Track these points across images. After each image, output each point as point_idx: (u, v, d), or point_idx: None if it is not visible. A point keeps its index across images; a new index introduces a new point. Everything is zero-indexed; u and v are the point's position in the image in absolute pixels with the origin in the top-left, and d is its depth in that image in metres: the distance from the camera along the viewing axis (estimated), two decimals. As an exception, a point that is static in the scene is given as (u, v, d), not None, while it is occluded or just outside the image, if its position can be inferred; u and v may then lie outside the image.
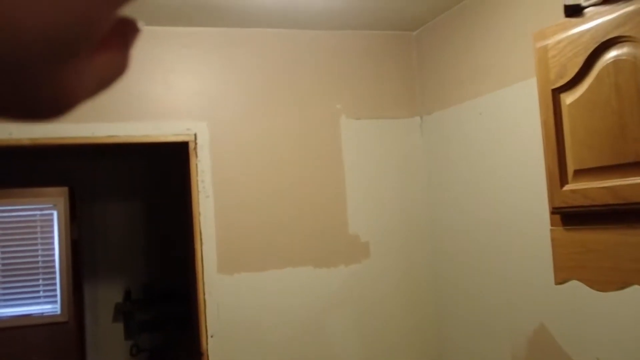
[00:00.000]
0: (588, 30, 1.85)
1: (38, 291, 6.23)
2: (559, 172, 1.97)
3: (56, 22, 0.21)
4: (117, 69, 0.28)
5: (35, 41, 0.21)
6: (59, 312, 6.23)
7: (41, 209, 6.21)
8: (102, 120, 3.45)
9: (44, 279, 6.22)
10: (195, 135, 3.65)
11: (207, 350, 3.60)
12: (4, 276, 6.16)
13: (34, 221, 6.22)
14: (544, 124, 2.02)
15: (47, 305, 6.25)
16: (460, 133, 3.67)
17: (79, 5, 0.22)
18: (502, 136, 3.31)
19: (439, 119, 3.87)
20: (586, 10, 1.87)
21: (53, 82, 0.24)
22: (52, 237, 6.23)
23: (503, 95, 3.29)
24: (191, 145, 3.65)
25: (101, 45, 0.25)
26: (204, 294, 3.62)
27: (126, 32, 0.27)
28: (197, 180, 3.64)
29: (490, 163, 3.41)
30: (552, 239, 2.05)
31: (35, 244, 6.22)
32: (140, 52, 3.41)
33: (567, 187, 1.95)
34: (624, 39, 1.75)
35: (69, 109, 0.26)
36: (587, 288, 1.94)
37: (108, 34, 0.25)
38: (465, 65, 3.60)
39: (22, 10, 0.20)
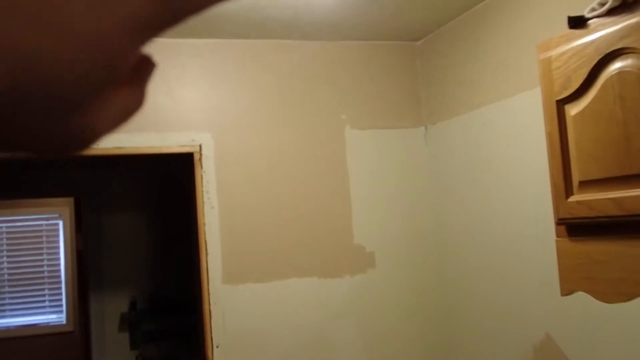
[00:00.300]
0: (592, 42, 1.85)
1: (44, 301, 6.24)
2: (564, 183, 1.97)
3: (88, 63, 0.22)
4: (135, 103, 0.28)
5: (67, 81, 0.22)
6: (64, 322, 6.24)
7: (47, 219, 6.22)
8: (107, 132, 3.46)
9: (49, 289, 6.23)
10: (200, 146, 3.66)
11: (212, 360, 3.60)
12: (10, 286, 6.17)
13: (40, 231, 6.23)
14: (549, 135, 2.02)
15: (52, 315, 6.26)
16: (465, 143, 3.67)
17: (110, 47, 0.22)
18: (506, 146, 3.31)
19: (444, 129, 3.88)
20: (590, 21, 1.87)
21: (79, 118, 0.24)
22: (58, 247, 6.24)
23: (507, 105, 3.29)
24: (196, 156, 3.66)
25: (122, 82, 0.25)
26: (209, 304, 3.62)
27: (144, 67, 0.28)
28: (202, 191, 3.64)
29: (495, 173, 3.41)
30: (558, 250, 2.04)
31: (41, 254, 6.23)
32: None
33: (572, 198, 1.95)
34: (628, 51, 1.75)
35: (92, 142, 0.26)
36: (594, 299, 1.93)
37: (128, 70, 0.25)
38: (470, 75, 3.60)
39: (57, 51, 0.21)
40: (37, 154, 0.26)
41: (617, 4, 1.78)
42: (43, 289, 6.22)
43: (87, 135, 0.26)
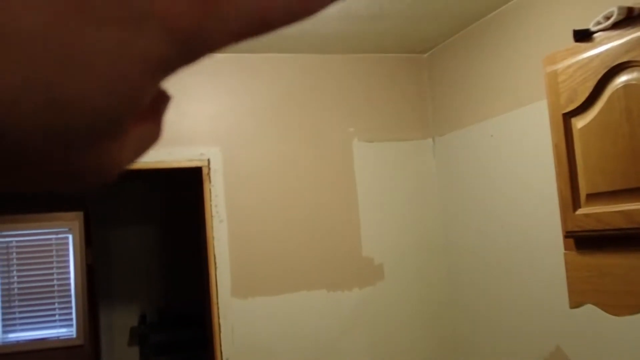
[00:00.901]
0: (597, 55, 1.86)
1: (54, 315, 6.25)
2: (571, 196, 1.97)
3: (109, 101, 0.23)
4: (153, 135, 0.29)
5: (89, 118, 0.22)
6: (74, 336, 6.24)
7: (56, 233, 6.24)
8: (116, 147, 3.48)
9: (59, 303, 6.24)
10: (208, 160, 3.67)
11: (222, 374, 3.60)
12: (20, 300, 6.18)
13: (50, 245, 6.25)
14: (556, 148, 2.02)
15: (62, 329, 6.26)
16: (473, 154, 3.67)
17: (129, 85, 0.23)
18: (513, 157, 3.31)
19: (451, 140, 3.88)
20: (595, 35, 1.88)
21: (98, 153, 0.25)
22: (68, 261, 6.26)
23: (514, 117, 3.30)
24: (204, 171, 3.67)
25: (139, 116, 0.26)
26: (219, 318, 3.62)
27: (160, 100, 0.29)
28: (210, 205, 3.66)
29: (503, 184, 3.41)
30: (566, 263, 2.04)
31: (51, 268, 6.24)
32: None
33: (580, 211, 1.95)
34: (633, 64, 1.75)
35: (110, 176, 0.27)
36: (603, 311, 1.93)
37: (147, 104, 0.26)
38: (477, 87, 3.61)
39: (79, 90, 0.22)
40: (56, 190, 0.27)
41: (622, 17, 1.79)
42: (53, 303, 6.23)
43: (105, 170, 0.26)
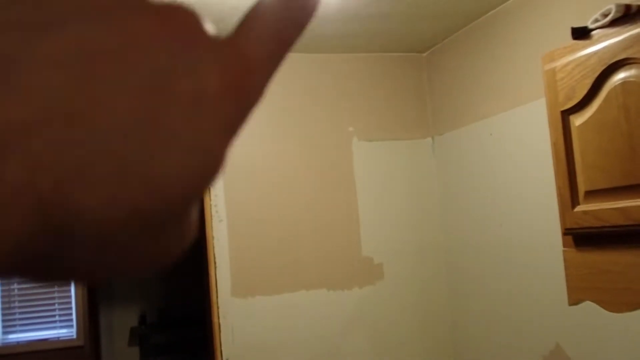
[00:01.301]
0: (595, 53, 1.86)
1: (54, 315, 6.26)
2: (570, 193, 1.97)
3: (197, 181, 0.22)
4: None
5: (180, 197, 0.22)
6: (74, 337, 6.25)
7: (57, 234, 6.25)
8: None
9: (59, 303, 6.25)
10: (208, 159, 3.67)
11: (222, 374, 3.60)
12: (20, 301, 6.19)
13: (50, 246, 6.26)
14: (554, 145, 2.03)
15: (63, 330, 6.27)
16: (472, 153, 3.67)
17: (211, 160, 0.23)
18: (513, 156, 3.32)
19: (451, 139, 3.88)
20: (593, 32, 1.89)
21: (181, 227, 0.24)
22: (68, 262, 6.26)
23: (513, 116, 3.30)
24: (204, 170, 3.67)
25: None
26: (219, 318, 3.62)
27: None
28: (210, 205, 3.66)
29: (502, 183, 3.41)
30: (565, 260, 2.05)
31: (51, 269, 6.25)
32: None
33: (578, 208, 1.95)
34: (631, 61, 1.76)
35: (188, 244, 0.25)
36: (602, 308, 1.93)
37: None
38: (476, 86, 3.62)
39: (173, 172, 0.21)
40: (132, 275, 0.25)
41: (619, 15, 1.79)
42: (53, 304, 6.24)
43: (188, 238, 0.25)
